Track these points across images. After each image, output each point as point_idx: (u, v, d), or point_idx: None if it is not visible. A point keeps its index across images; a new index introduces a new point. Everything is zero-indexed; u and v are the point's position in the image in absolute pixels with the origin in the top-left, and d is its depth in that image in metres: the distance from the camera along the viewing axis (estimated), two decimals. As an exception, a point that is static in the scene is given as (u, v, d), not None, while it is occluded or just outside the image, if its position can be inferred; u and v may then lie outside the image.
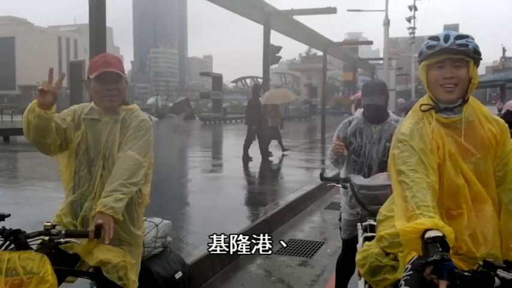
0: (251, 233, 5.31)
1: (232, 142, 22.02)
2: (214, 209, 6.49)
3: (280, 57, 14.15)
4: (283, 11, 14.17)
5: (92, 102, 2.54)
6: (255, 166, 11.31)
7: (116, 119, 2.46)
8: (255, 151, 12.06)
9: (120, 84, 2.45)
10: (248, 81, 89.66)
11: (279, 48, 13.82)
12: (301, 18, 15.87)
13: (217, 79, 41.80)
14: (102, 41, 8.77)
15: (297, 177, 9.65)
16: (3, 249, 2.09)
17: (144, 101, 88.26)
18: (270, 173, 10.57)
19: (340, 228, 3.57)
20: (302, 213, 7.04)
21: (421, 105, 2.06)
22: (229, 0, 12.43)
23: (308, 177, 9.74)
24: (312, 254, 5.13)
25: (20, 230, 2.12)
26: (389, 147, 3.35)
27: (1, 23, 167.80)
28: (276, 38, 13.60)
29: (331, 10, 14.15)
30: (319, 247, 5.39)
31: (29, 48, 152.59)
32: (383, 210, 2.32)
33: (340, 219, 3.56)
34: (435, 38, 1.99)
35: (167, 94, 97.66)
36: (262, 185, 8.97)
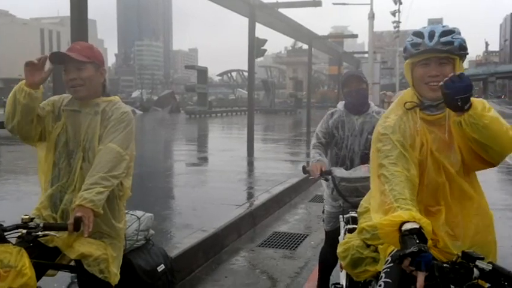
0: (235, 226, 5.37)
1: (218, 135, 22.00)
2: (199, 202, 6.47)
3: (265, 50, 14.08)
4: (269, 3, 14.08)
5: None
6: (240, 159, 11.31)
7: (96, 110, 2.40)
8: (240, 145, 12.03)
9: (83, 72, 2.36)
10: (234, 74, 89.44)
11: (264, 41, 13.74)
12: (286, 11, 15.84)
13: (203, 72, 41.61)
14: (84, 33, 8.65)
15: (282, 170, 9.67)
16: None
17: (129, 94, 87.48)
18: (256, 166, 10.57)
19: (323, 221, 3.58)
20: (287, 205, 7.07)
21: (406, 103, 2.05)
22: (214, -8, 12.32)
23: (293, 170, 9.77)
24: (296, 247, 5.15)
25: None
26: (371, 139, 3.40)
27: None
28: (262, 31, 13.58)
29: (317, 3, 14.10)
30: (303, 239, 5.41)
31: (11, 40, 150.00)
32: (364, 203, 2.33)
33: (323, 212, 3.57)
34: (419, 34, 1.96)
35: (152, 87, 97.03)
36: (247, 178, 8.97)
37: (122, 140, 2.35)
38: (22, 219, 2.15)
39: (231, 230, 5.28)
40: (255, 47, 13.17)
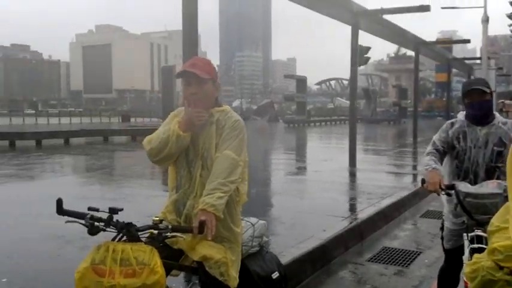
0: (342, 238, 5.26)
1: (317, 145, 21.87)
2: (301, 212, 6.43)
3: (369, 58, 13.75)
4: (372, 10, 13.77)
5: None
6: (342, 170, 11.11)
7: (211, 120, 2.53)
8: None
9: (204, 87, 2.49)
10: (333, 83, 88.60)
11: (368, 48, 13.43)
12: (391, 17, 15.39)
13: (302, 81, 41.72)
14: (194, 47, 9.12)
15: (386, 182, 9.33)
16: (117, 241, 2.21)
17: (229, 103, 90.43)
18: (358, 177, 10.31)
19: (441, 238, 3.36)
20: (395, 220, 6.76)
21: None
22: (315, 1, 12.29)
23: (399, 182, 9.38)
24: (409, 264, 4.88)
25: (131, 223, 2.22)
26: (497, 151, 3.15)
27: (100, 31, 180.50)
28: (363, 37, 13.23)
29: (425, 8, 13.51)
30: (416, 256, 5.12)
31: (124, 54, 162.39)
32: (495, 221, 2.14)
33: (442, 228, 3.35)
34: None
35: (251, 97, 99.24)
36: (350, 190, 8.77)
37: (236, 147, 2.46)
38: (153, 220, 2.29)
39: (338, 242, 5.17)
40: (358, 54, 12.93)
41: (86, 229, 2.23)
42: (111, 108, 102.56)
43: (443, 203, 3.32)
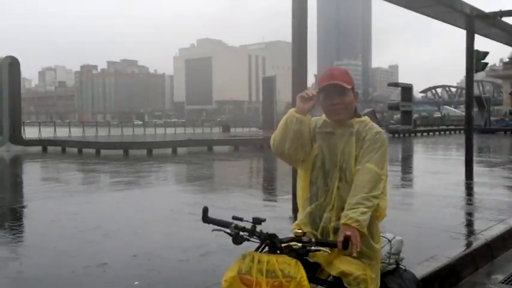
0: (470, 258, 4.88)
1: (426, 156, 20.82)
2: (420, 228, 6.07)
3: (486, 64, 12.81)
4: (490, 13, 12.86)
5: (323, 115, 2.59)
6: (457, 183, 10.42)
7: (351, 131, 2.47)
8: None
9: (345, 97, 2.45)
10: (439, 90, 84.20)
11: (485, 54, 12.55)
12: (509, 19, 14.25)
13: (407, 89, 40.09)
14: (304, 55, 9.14)
15: (510, 197, 8.56)
16: (260, 252, 2.21)
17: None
18: (477, 191, 9.59)
19: None
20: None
21: None
22: (426, 5, 11.73)
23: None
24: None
25: (275, 234, 2.22)
26: None
27: (201, 45, 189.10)
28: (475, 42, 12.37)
29: (550, 8, 12.36)
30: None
31: (224, 66, 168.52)
32: None
33: None
34: None
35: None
36: (470, 205, 8.16)
37: (378, 160, 2.39)
38: (295, 233, 2.28)
39: (466, 262, 4.80)
40: (475, 60, 12.13)
41: (205, 236, 2.27)
42: (212, 119, 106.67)
43: None
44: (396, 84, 46.36)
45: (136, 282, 4.15)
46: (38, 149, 23.36)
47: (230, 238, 2.27)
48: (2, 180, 13.39)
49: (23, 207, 8.35)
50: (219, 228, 2.31)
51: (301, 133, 2.45)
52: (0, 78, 22.71)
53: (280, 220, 6.25)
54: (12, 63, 23.34)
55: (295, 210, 7.35)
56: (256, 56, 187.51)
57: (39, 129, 28.40)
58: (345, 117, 2.47)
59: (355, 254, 2.23)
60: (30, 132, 27.30)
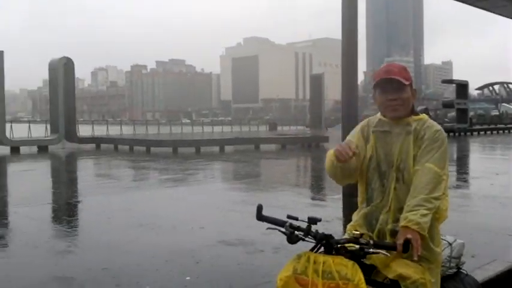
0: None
1: (485, 156, 19.99)
2: (479, 231, 5.81)
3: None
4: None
5: (379, 113, 2.51)
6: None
7: (408, 130, 2.37)
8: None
9: (403, 93, 2.35)
10: (497, 87, 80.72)
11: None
12: None
13: (462, 87, 38.66)
14: (354, 53, 9.00)
15: None
16: (315, 252, 2.16)
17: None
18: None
19: None
20: None
21: None
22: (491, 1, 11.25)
23: None
24: None
25: (331, 235, 2.17)
26: None
27: (248, 44, 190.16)
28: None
29: None
30: None
31: (270, 64, 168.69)
32: None
33: None
34: None
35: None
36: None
37: (438, 160, 2.28)
38: (353, 234, 2.21)
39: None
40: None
41: (254, 233, 2.23)
42: (258, 117, 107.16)
43: None
44: (451, 81, 44.75)
45: (187, 278, 4.20)
46: (91, 146, 24.25)
47: (280, 236, 2.24)
48: (59, 176, 13.97)
49: (78, 202, 8.66)
50: (274, 227, 2.27)
51: (349, 165, 2.35)
52: (55, 79, 23.65)
53: (330, 220, 6.15)
54: (67, 64, 24.26)
55: (345, 210, 7.30)
56: (303, 53, 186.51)
57: (92, 127, 29.46)
58: (402, 114, 2.38)
59: (415, 258, 2.14)
60: (83, 130, 28.37)
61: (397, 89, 2.36)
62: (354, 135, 2.52)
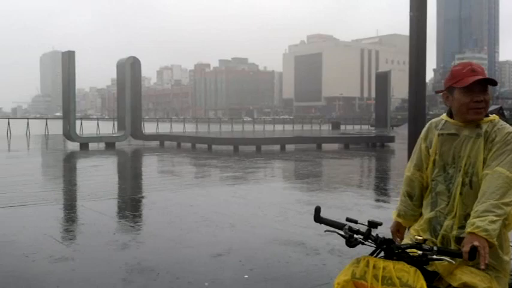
0: None
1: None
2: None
3: None
4: None
5: (443, 115, 2.41)
6: None
7: (479, 132, 2.25)
8: None
9: (487, 95, 2.25)
10: None
11: None
12: None
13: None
14: (423, 50, 8.65)
15: None
16: (375, 257, 2.08)
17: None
18: None
19: None
20: None
21: None
22: None
23: None
24: None
25: (392, 239, 2.11)
26: None
27: (310, 41, 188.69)
28: None
29: None
30: None
31: (334, 62, 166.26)
32: None
33: None
34: None
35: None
36: None
37: (510, 164, 2.15)
38: (416, 239, 2.12)
39: None
40: None
41: (312, 234, 2.17)
42: (321, 115, 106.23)
43: None
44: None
45: (246, 276, 4.21)
46: (155, 143, 25.06)
47: (338, 239, 2.18)
48: (124, 172, 14.54)
49: (142, 197, 8.96)
50: (332, 229, 2.22)
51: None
52: (123, 78, 24.60)
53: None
54: (134, 63, 25.16)
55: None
56: (369, 50, 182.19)
57: (157, 124, 30.47)
58: (483, 117, 2.27)
59: (483, 267, 2.01)
60: (149, 128, 29.38)
61: (483, 90, 2.25)
62: (417, 148, 2.49)
